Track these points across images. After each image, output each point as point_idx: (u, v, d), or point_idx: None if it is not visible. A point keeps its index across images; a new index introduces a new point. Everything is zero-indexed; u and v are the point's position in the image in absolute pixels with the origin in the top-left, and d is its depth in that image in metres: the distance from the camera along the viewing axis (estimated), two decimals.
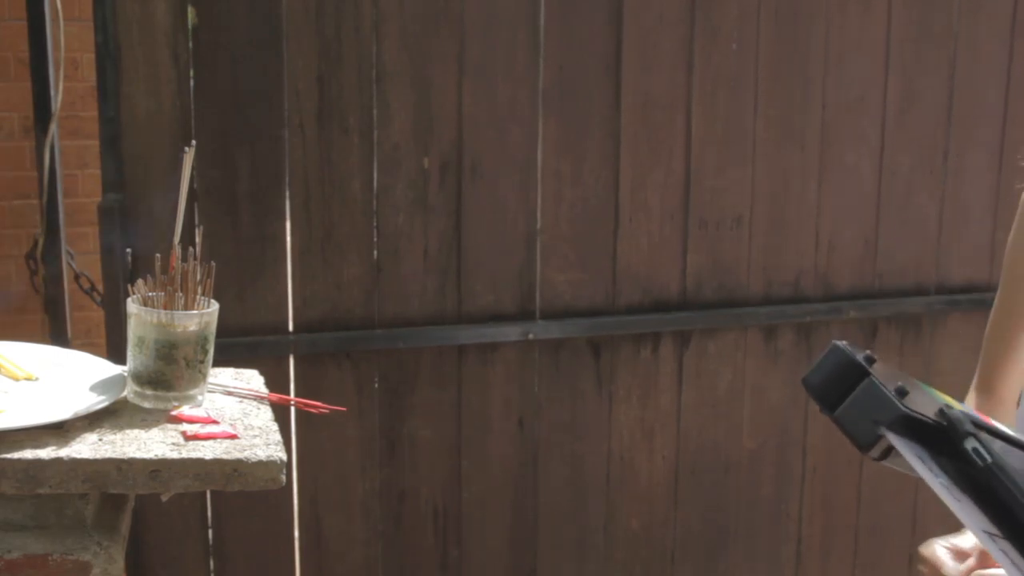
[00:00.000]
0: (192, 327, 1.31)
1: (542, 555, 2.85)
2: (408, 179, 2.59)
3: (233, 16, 2.44)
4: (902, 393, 0.86)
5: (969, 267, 3.09)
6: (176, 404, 1.32)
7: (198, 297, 1.34)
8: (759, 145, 2.84)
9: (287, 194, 2.54)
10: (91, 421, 1.27)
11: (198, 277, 1.34)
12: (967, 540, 1.34)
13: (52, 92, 2.73)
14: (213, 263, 1.36)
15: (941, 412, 0.87)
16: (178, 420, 1.29)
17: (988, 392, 1.61)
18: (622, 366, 2.82)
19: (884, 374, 0.90)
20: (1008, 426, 1.49)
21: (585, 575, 2.90)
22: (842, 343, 0.96)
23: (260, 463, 1.22)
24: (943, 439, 0.85)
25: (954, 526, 3.13)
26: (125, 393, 1.34)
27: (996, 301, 1.61)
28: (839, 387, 0.91)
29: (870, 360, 0.90)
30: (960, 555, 1.32)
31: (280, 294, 2.56)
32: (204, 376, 1.35)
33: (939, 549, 1.35)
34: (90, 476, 1.18)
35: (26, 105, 3.02)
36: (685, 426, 2.91)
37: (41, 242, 2.89)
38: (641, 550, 2.94)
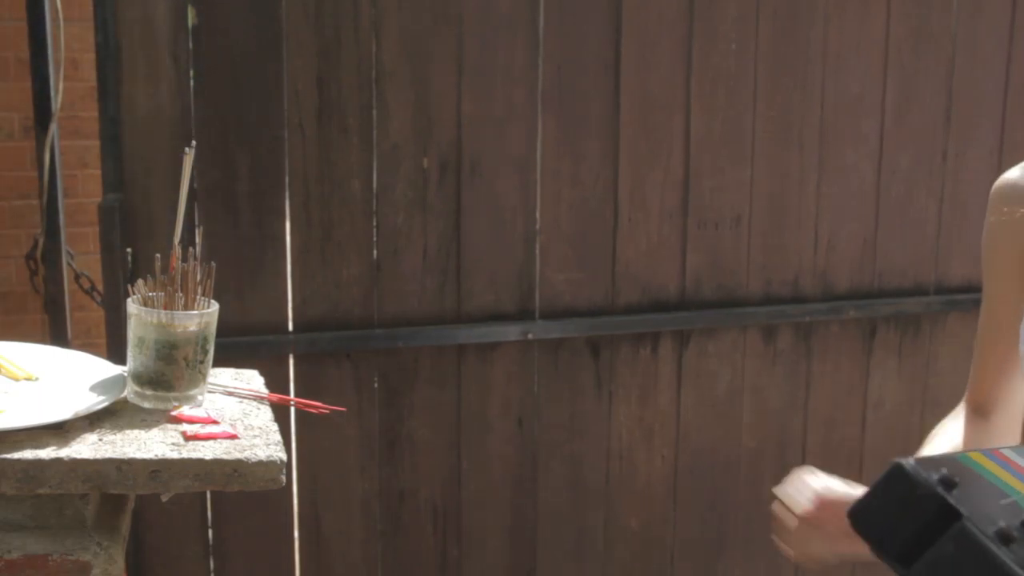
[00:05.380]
0: (192, 327, 1.31)
1: (541, 554, 2.85)
2: (407, 179, 2.60)
3: (233, 16, 2.44)
4: (1005, 539, 0.60)
5: (968, 267, 3.09)
6: (176, 404, 1.32)
7: (198, 297, 1.34)
8: (758, 145, 2.84)
9: (287, 194, 2.54)
10: (91, 421, 1.27)
11: (198, 277, 1.34)
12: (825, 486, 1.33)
13: (52, 92, 2.74)
14: (213, 263, 1.36)
15: None
16: (178, 420, 1.29)
17: (977, 411, 1.57)
18: (621, 366, 2.82)
19: (973, 498, 0.62)
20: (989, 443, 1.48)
21: (584, 575, 2.90)
22: (908, 462, 0.66)
23: (260, 463, 1.22)
24: None
25: None
26: (125, 393, 1.34)
27: (981, 312, 1.53)
28: (910, 529, 0.63)
29: (949, 484, 0.63)
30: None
31: (280, 294, 2.57)
32: (204, 376, 1.35)
33: (796, 494, 1.34)
34: (90, 476, 1.18)
35: (26, 105, 3.02)
36: (684, 426, 2.91)
37: (41, 242, 2.89)
38: (641, 550, 2.94)
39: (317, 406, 1.48)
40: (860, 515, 0.64)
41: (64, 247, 2.90)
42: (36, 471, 1.17)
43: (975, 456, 0.75)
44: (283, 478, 1.24)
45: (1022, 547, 0.60)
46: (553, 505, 2.84)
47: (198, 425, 1.28)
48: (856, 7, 2.86)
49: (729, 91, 2.80)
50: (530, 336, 2.72)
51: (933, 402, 3.13)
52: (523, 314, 2.73)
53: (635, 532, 2.92)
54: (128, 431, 1.26)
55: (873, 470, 3.09)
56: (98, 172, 2.75)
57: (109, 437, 1.24)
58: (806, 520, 1.35)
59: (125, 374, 1.36)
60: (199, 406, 1.34)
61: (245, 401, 1.40)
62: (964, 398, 1.59)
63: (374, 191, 2.59)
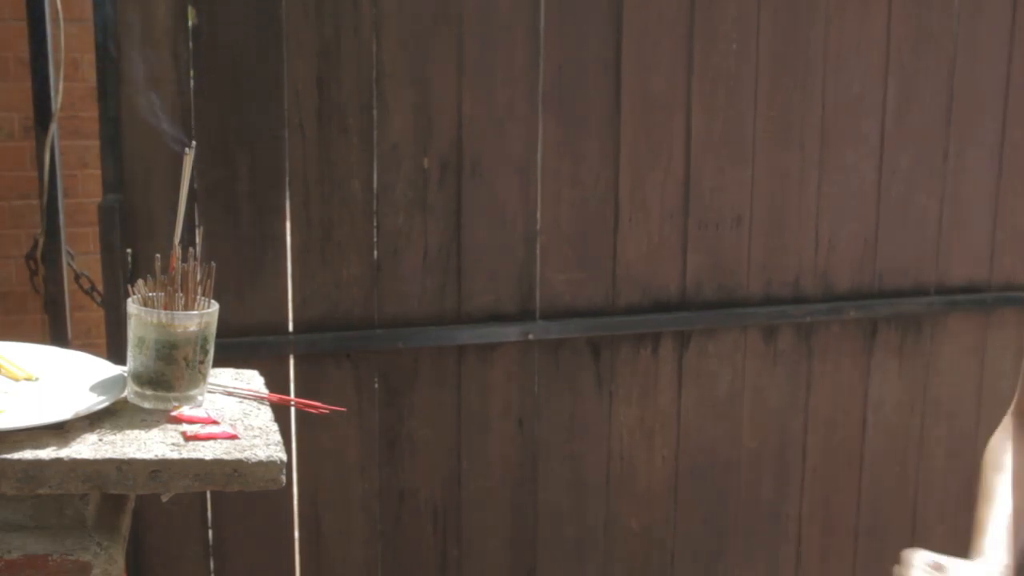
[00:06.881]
0: (192, 327, 1.31)
1: (542, 555, 2.85)
2: (408, 179, 2.59)
3: (233, 16, 2.44)
4: None
5: (969, 267, 3.10)
6: (176, 404, 1.32)
7: (198, 297, 1.34)
8: (759, 145, 2.84)
9: (287, 194, 2.54)
10: (91, 421, 1.27)
11: (198, 277, 1.34)
12: (951, 561, 1.33)
13: (52, 92, 2.73)
14: (213, 263, 1.36)
15: None
16: (178, 420, 1.29)
17: None
18: (622, 366, 2.82)
19: None
20: None
21: (584, 575, 2.90)
22: None
23: (260, 463, 1.22)
24: None
25: (953, 525, 3.14)
26: (125, 393, 1.34)
27: None
28: None
29: None
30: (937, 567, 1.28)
31: (280, 294, 2.56)
32: (204, 376, 1.35)
33: (918, 562, 1.33)
34: (90, 476, 1.18)
35: (26, 105, 3.02)
36: (685, 426, 2.91)
37: (41, 242, 2.89)
38: (641, 550, 2.94)
39: (317, 406, 1.48)
40: None
41: (64, 247, 2.90)
42: (36, 471, 1.17)
43: None
44: (283, 478, 1.24)
45: None
46: (553, 505, 2.84)
47: (198, 425, 1.28)
48: (857, 7, 2.86)
49: (729, 91, 2.79)
50: (530, 336, 2.72)
51: (934, 403, 3.13)
52: (523, 314, 2.73)
53: (635, 532, 2.92)
54: (128, 431, 1.26)
55: (873, 471, 3.10)
56: (98, 172, 2.75)
57: (109, 437, 1.23)
58: None
59: (125, 374, 1.36)
60: (199, 406, 1.34)
61: (245, 401, 1.40)
62: (1010, 410, 1.56)
63: (374, 191, 2.59)
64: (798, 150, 2.88)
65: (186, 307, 1.33)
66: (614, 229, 2.76)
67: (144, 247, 2.42)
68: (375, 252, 2.61)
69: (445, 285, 2.66)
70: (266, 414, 1.36)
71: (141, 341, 1.31)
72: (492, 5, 2.59)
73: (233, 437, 1.26)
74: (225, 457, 1.22)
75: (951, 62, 2.97)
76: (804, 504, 3.06)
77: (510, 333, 2.71)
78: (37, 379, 1.38)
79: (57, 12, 2.81)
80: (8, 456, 1.17)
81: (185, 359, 1.31)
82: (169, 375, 1.31)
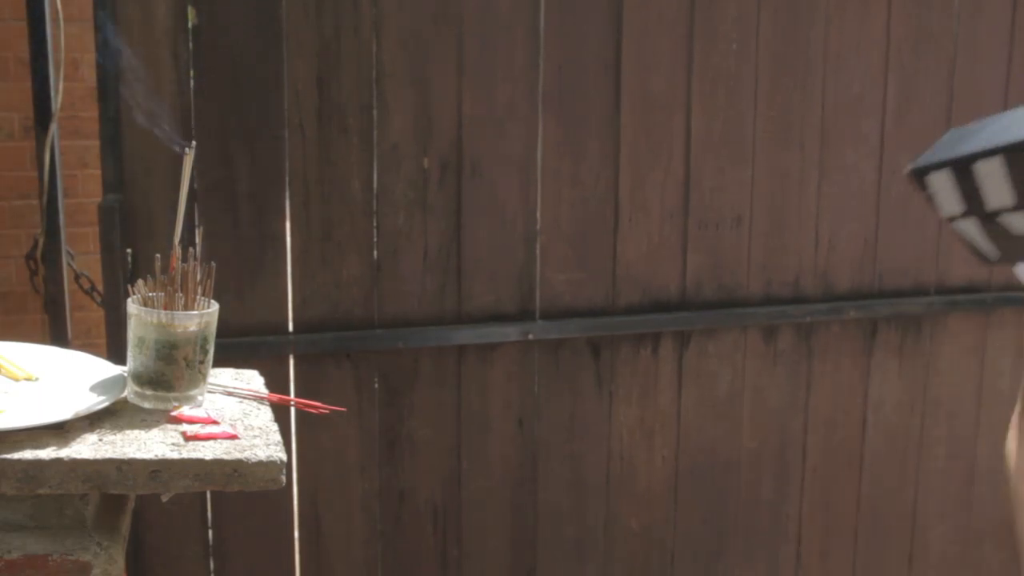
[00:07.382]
0: (192, 327, 1.31)
1: (542, 555, 2.85)
2: (408, 179, 2.59)
3: (233, 16, 2.44)
4: None
5: (969, 267, 3.09)
6: (176, 404, 1.32)
7: (198, 297, 1.34)
8: (759, 145, 2.84)
9: (287, 194, 2.54)
10: (91, 421, 1.27)
11: (198, 277, 1.34)
12: None
13: (52, 92, 2.74)
14: (213, 263, 1.36)
15: None
16: (178, 420, 1.29)
17: None
18: (622, 366, 2.82)
19: None
20: None
21: (585, 575, 2.90)
22: None
23: (260, 463, 1.22)
24: None
25: (953, 525, 3.12)
26: (125, 393, 1.34)
27: None
28: None
29: None
30: None
31: (280, 294, 2.57)
32: (204, 376, 1.35)
33: None
34: (90, 476, 1.18)
35: (26, 105, 3.02)
36: (685, 426, 2.91)
37: (41, 242, 2.89)
38: (641, 550, 2.94)
39: (317, 406, 1.48)
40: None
41: (64, 247, 2.90)
42: (36, 471, 1.17)
43: None
44: (283, 478, 1.24)
45: None
46: (553, 505, 2.84)
47: (198, 425, 1.28)
48: (856, 7, 2.86)
49: (729, 91, 2.80)
50: (530, 336, 2.72)
51: (934, 403, 3.13)
52: (523, 314, 2.73)
53: (635, 532, 2.92)
54: (128, 431, 1.26)
55: (873, 471, 3.10)
56: (98, 172, 2.75)
57: (109, 437, 1.23)
58: None
59: (125, 374, 1.36)
60: (199, 406, 1.34)
61: (245, 401, 1.40)
62: (1019, 409, 1.53)
63: (374, 191, 2.59)
64: (798, 150, 2.88)
65: (186, 307, 1.33)
66: (614, 229, 2.76)
67: (144, 247, 2.42)
68: (375, 252, 2.61)
69: (445, 285, 2.66)
70: (266, 414, 1.36)
71: (141, 341, 1.31)
72: (492, 5, 2.59)
73: (233, 437, 1.26)
74: (225, 457, 1.22)
75: (951, 62, 2.97)
76: (804, 504, 3.06)
77: (510, 333, 2.71)
78: (37, 379, 1.38)
79: (57, 12, 2.81)
80: (8, 456, 1.17)
81: (185, 359, 1.31)
82: (169, 375, 1.31)
